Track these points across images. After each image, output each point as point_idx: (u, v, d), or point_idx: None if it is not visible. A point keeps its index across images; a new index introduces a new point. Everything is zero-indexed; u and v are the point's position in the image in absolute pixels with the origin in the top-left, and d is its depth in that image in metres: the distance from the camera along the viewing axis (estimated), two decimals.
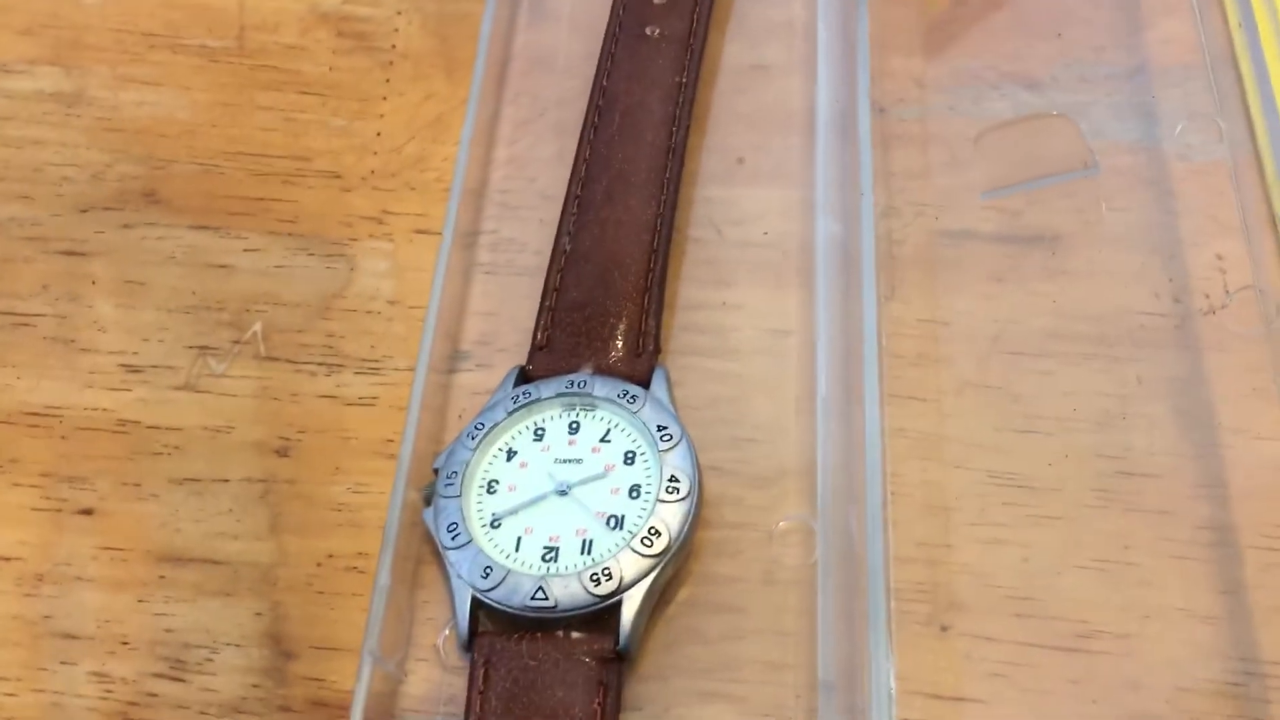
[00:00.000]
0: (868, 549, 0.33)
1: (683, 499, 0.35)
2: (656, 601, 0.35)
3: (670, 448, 0.36)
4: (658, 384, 0.37)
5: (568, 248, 0.41)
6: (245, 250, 0.42)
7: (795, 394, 0.39)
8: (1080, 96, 0.44)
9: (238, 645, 0.35)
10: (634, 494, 0.36)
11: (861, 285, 0.37)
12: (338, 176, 0.43)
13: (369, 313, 0.40)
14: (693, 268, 0.42)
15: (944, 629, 0.35)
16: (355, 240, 0.43)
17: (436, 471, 0.36)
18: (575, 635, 0.34)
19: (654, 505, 0.35)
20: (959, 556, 0.37)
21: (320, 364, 0.40)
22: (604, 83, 0.44)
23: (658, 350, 0.39)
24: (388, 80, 0.45)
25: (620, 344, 0.39)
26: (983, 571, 0.36)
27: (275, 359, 0.40)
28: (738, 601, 0.35)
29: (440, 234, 0.40)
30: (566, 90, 0.45)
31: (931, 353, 0.40)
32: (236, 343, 0.40)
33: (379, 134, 0.45)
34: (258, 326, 0.40)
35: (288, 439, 0.38)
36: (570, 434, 0.37)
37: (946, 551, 0.37)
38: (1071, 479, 0.38)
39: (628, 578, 0.34)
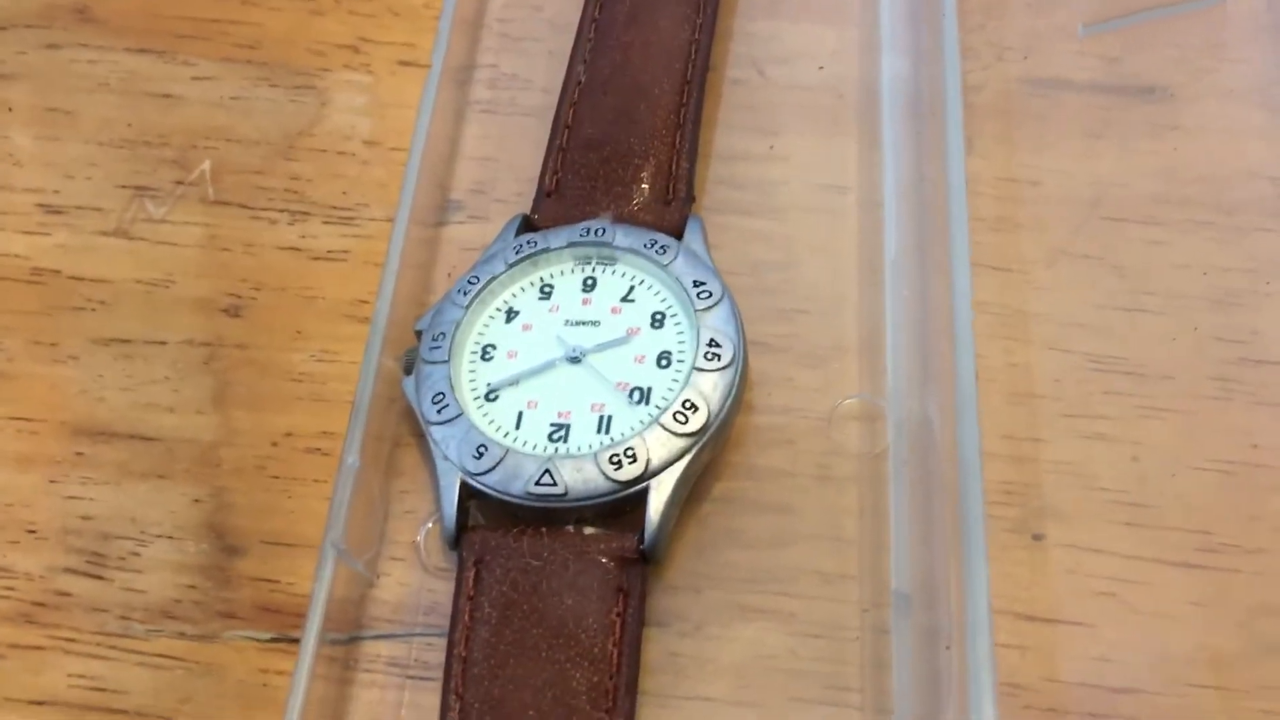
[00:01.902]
0: (959, 437, 0.27)
1: (725, 367, 0.28)
2: (688, 495, 0.29)
3: (709, 307, 0.29)
4: (692, 235, 0.31)
5: (582, 77, 0.34)
6: (194, 78, 0.36)
7: (855, 259, 0.33)
8: None
9: (170, 537, 0.30)
10: (663, 362, 0.29)
11: (945, 131, 0.31)
12: None
13: (341, 154, 0.35)
14: (730, 112, 0.36)
15: (1037, 538, 0.29)
16: (327, 71, 0.37)
17: (419, 334, 0.30)
18: (589, 531, 0.27)
19: (689, 375, 0.28)
20: (1053, 453, 0.30)
21: (282, 210, 0.34)
22: None
23: (691, 198, 0.32)
24: None
25: (646, 189, 0.32)
26: (1083, 472, 0.30)
27: (227, 203, 0.34)
28: (786, 499, 0.30)
29: (428, 66, 0.34)
30: None
31: (1016, 216, 0.34)
32: (180, 183, 0.35)
33: None
34: (206, 165, 0.35)
35: (239, 296, 0.33)
36: (584, 291, 0.30)
37: (1037, 447, 0.30)
38: (1187, 365, 0.31)
39: (655, 461, 0.27)
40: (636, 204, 0.32)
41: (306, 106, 0.36)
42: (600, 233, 0.31)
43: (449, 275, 0.33)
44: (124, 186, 0.34)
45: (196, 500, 0.30)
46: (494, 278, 0.31)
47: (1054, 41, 0.36)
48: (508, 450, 0.28)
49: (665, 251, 0.30)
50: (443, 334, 0.30)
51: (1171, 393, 0.31)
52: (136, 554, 0.29)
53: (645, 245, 0.30)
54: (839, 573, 0.29)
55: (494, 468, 0.28)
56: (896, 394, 0.30)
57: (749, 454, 0.30)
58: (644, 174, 0.32)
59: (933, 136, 0.32)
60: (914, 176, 0.33)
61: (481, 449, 0.28)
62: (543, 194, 0.32)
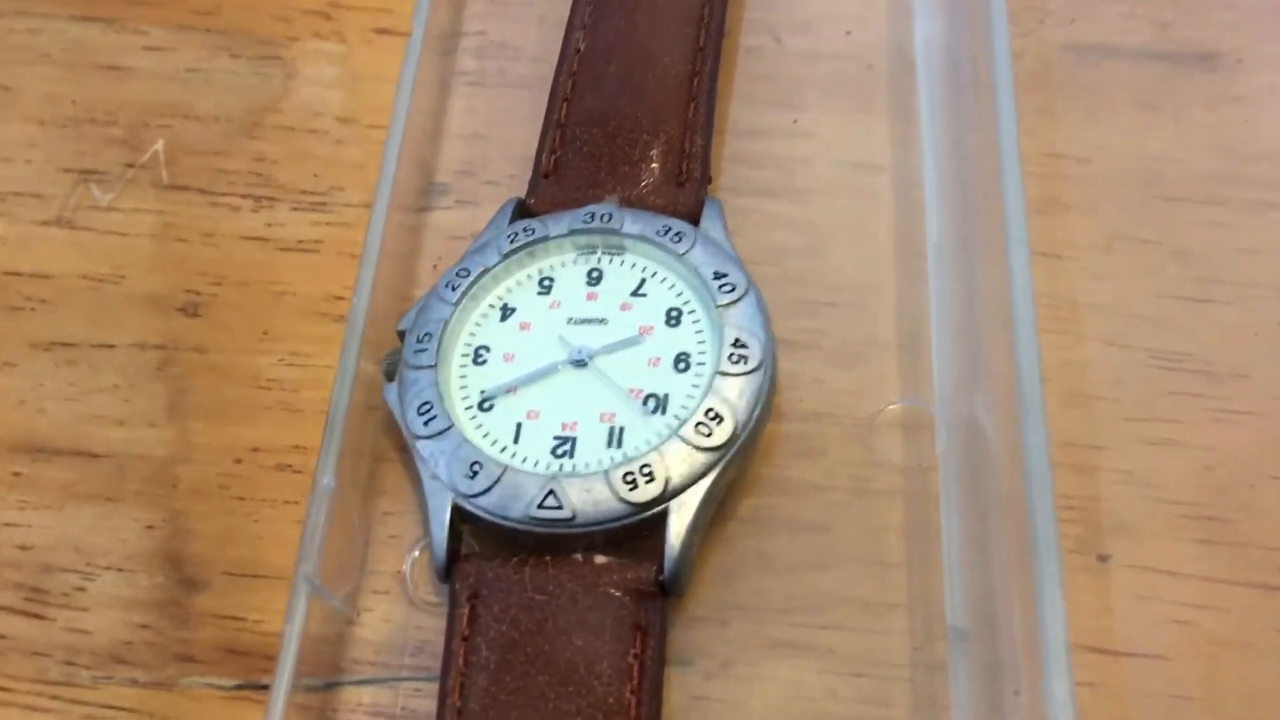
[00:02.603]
0: (1023, 446, 0.23)
1: (752, 371, 0.25)
2: (713, 516, 0.25)
3: (732, 302, 0.26)
4: (710, 219, 0.28)
5: (581, 44, 0.31)
6: (146, 48, 0.34)
7: (890, 245, 0.30)
8: None
9: (120, 569, 0.27)
10: (681, 365, 0.26)
11: (995, 101, 0.27)
12: None
13: (312, 131, 0.32)
14: (746, 84, 0.33)
15: (1102, 559, 0.26)
16: (295, 39, 0.34)
17: (402, 335, 0.27)
18: (600, 560, 0.24)
19: (711, 379, 0.25)
20: (1117, 461, 0.27)
21: (245, 196, 0.31)
22: None
23: (707, 178, 0.29)
24: None
25: (656, 168, 0.29)
26: (1151, 482, 0.27)
27: (183, 188, 0.32)
28: (821, 517, 0.27)
29: (407, 34, 0.31)
30: None
31: (1064, 197, 0.30)
32: (130, 166, 0.32)
33: None
34: (159, 146, 0.32)
35: (198, 293, 0.30)
36: (589, 285, 0.27)
37: (1098, 455, 0.27)
38: (1263, 362, 0.28)
39: (676, 479, 0.24)
40: (646, 185, 0.28)
41: (272, 79, 0.33)
42: (606, 218, 0.27)
43: (434, 267, 0.30)
44: (67, 170, 0.32)
45: (150, 526, 0.27)
46: (486, 270, 0.27)
47: (1100, 4, 0.33)
48: (505, 468, 0.25)
49: (680, 239, 0.27)
50: (429, 335, 0.26)
51: (1247, 393, 0.28)
52: (82, 589, 0.26)
53: (657, 232, 0.27)
54: (884, 601, 0.25)
55: (490, 488, 0.24)
56: (944, 397, 0.27)
57: (777, 466, 0.27)
58: (653, 152, 0.29)
59: (977, 108, 0.29)
60: (955, 153, 0.29)
61: (475, 466, 0.25)
62: (539, 175, 0.29)
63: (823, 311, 0.29)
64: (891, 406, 0.27)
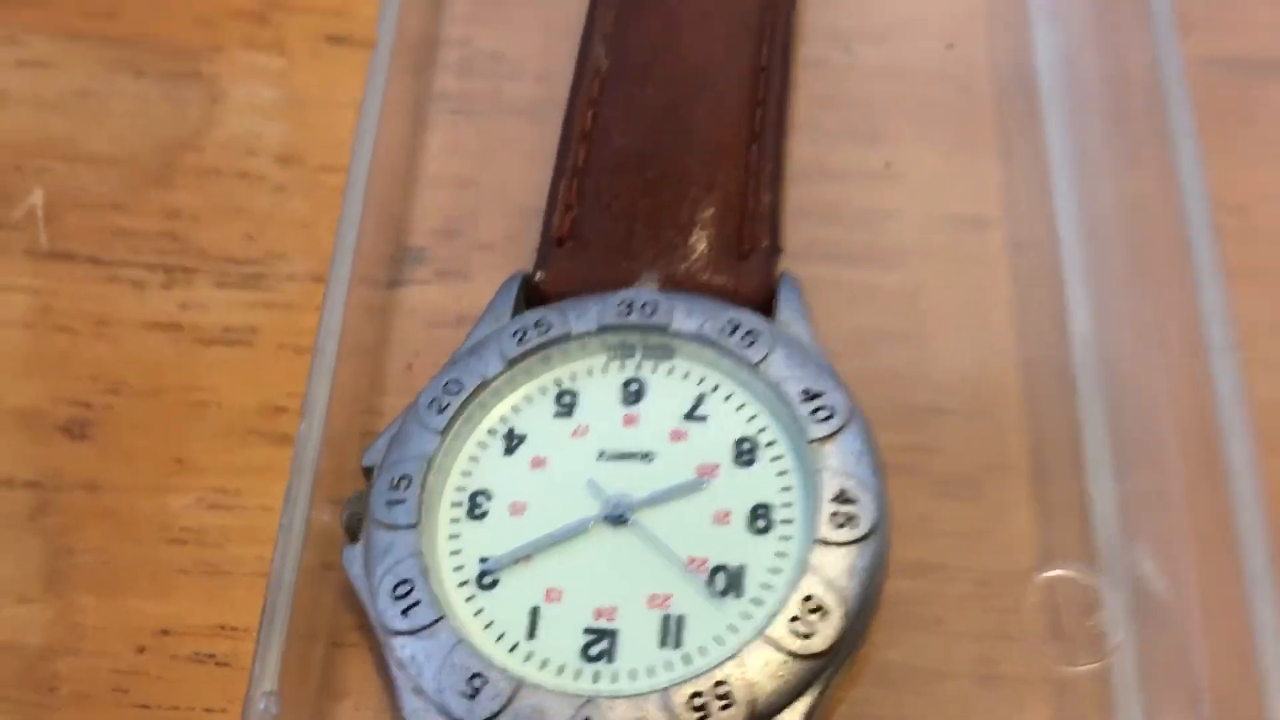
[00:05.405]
0: (1256, 631, 0.17)
1: (863, 538, 0.19)
2: None
3: (831, 434, 0.19)
4: (790, 309, 0.22)
5: (604, 61, 0.24)
6: (20, 63, 0.28)
7: (1011, 329, 0.23)
8: None
9: None
10: (760, 523, 0.19)
11: (1168, 131, 0.21)
12: None
13: (243, 177, 0.27)
14: (807, 108, 0.26)
15: None
16: (220, 50, 0.28)
17: (369, 473, 0.21)
18: None
19: (805, 549, 0.19)
20: None
21: (153, 267, 0.26)
22: None
23: (777, 248, 0.22)
24: None
25: (710, 234, 0.22)
26: None
27: (69, 256, 0.26)
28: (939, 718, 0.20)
29: (369, 45, 0.26)
30: None
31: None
32: None
33: None
34: (37, 197, 0.26)
35: (87, 405, 0.24)
36: (626, 403, 0.21)
37: None
38: None
39: (764, 700, 0.18)
40: (698, 259, 0.22)
41: (190, 105, 0.27)
42: (649, 309, 0.21)
43: (409, 367, 0.24)
44: None
45: None
46: (485, 383, 0.21)
47: (1257, 9, 0.27)
48: (519, 683, 0.18)
49: (754, 340, 0.20)
50: (406, 478, 0.20)
51: None
52: None
53: (721, 330, 0.20)
54: None
55: (499, 713, 0.18)
56: (1112, 553, 0.20)
57: (876, 643, 0.21)
58: (707, 211, 0.22)
59: (1128, 145, 0.23)
60: (1102, 206, 0.23)
61: (477, 680, 0.18)
62: (550, 241, 0.23)
63: (928, 422, 0.23)
64: (1052, 572, 0.20)
